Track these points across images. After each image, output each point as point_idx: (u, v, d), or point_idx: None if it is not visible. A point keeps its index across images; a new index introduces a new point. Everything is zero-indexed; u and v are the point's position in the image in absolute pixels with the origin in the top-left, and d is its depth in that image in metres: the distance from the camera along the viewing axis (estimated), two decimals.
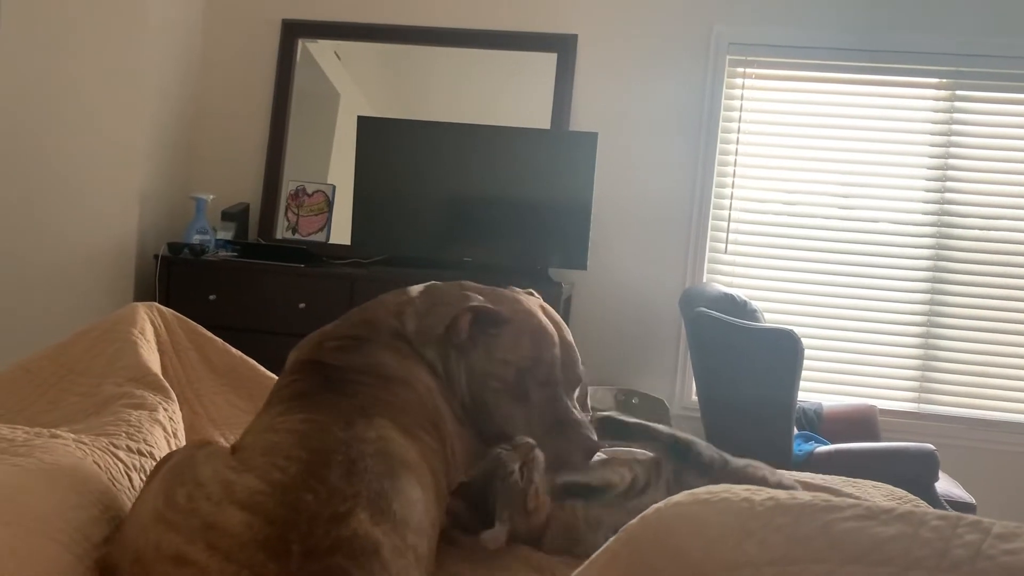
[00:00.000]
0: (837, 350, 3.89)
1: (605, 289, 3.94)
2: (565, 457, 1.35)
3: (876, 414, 3.61)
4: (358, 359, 1.31)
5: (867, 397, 3.83)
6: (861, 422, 3.56)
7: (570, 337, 1.47)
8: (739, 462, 1.37)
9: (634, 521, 0.91)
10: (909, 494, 1.80)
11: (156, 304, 1.85)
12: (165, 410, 1.51)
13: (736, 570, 0.82)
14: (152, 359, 1.68)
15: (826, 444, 3.23)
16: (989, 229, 3.82)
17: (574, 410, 1.40)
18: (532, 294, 1.55)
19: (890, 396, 3.86)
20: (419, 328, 1.38)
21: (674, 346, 3.94)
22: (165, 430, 1.47)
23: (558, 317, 1.50)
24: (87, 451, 1.25)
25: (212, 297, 3.58)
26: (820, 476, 1.91)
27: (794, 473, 1.70)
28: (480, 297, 1.41)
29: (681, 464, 1.34)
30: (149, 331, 1.75)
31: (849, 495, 1.52)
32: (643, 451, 1.44)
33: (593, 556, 0.94)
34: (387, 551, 1.01)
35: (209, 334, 1.87)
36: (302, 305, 3.54)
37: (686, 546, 0.85)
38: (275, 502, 1.00)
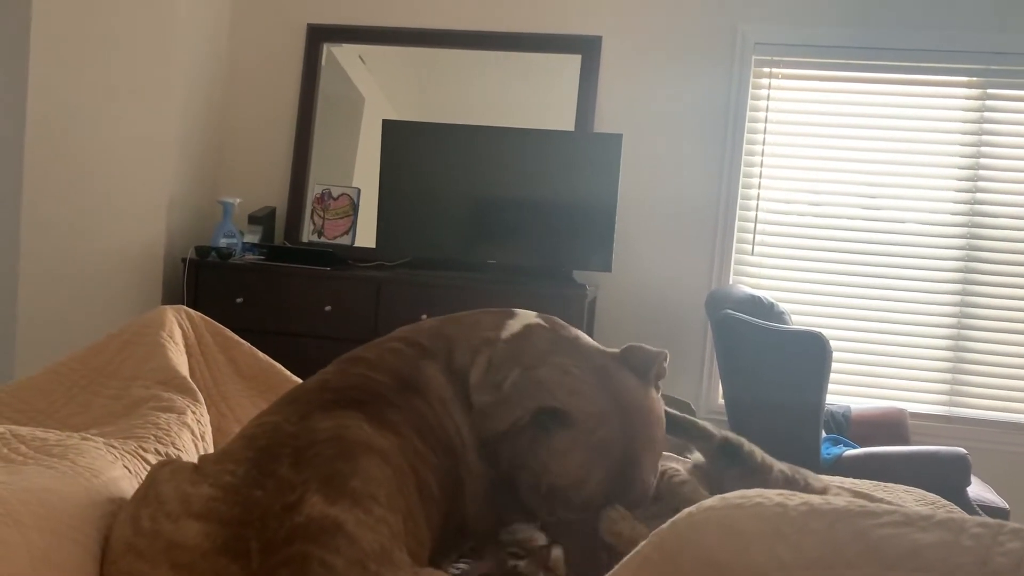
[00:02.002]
0: (866, 352, 3.85)
1: (630, 291, 3.92)
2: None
3: (906, 417, 3.56)
4: (396, 364, 1.24)
5: (896, 400, 3.79)
6: (890, 425, 3.52)
7: (645, 455, 1.22)
8: (814, 478, 1.33)
9: (665, 525, 0.90)
10: (942, 499, 1.77)
11: (184, 307, 1.87)
12: (193, 413, 1.52)
13: (768, 574, 0.80)
14: (180, 362, 1.68)
15: (855, 448, 3.19)
16: (1021, 230, 3.76)
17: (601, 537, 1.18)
18: (663, 367, 1.32)
19: (920, 399, 3.81)
20: (481, 386, 1.22)
21: (700, 348, 3.91)
22: (193, 433, 1.47)
23: (642, 423, 1.24)
24: (117, 455, 1.25)
25: (239, 300, 3.60)
26: (850, 480, 1.88)
27: (824, 478, 1.67)
28: (569, 383, 1.20)
29: (729, 466, 1.30)
30: (177, 334, 1.76)
31: (882, 500, 1.50)
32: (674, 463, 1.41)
33: (624, 560, 0.93)
34: (352, 526, 0.98)
35: (236, 337, 1.88)
36: (328, 308, 3.56)
37: (718, 550, 0.84)
38: (227, 505, 1.00)
